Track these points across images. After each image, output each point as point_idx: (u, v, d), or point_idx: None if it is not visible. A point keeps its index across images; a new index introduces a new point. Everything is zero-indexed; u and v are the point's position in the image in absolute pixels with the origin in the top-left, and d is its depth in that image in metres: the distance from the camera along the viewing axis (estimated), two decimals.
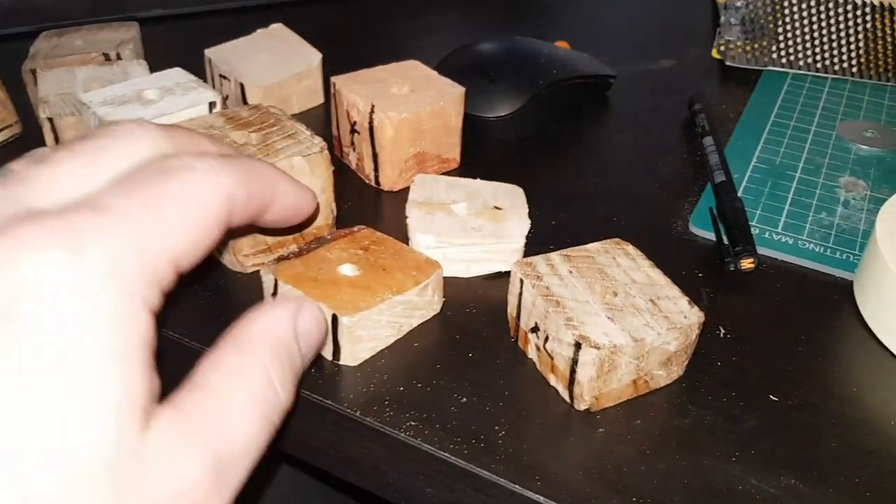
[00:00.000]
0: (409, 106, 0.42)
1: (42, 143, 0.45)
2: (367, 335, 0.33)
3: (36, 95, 0.46)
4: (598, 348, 0.29)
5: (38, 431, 0.18)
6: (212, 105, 0.39)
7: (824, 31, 0.55)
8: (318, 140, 0.38)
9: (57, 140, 0.41)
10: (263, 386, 0.23)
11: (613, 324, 0.31)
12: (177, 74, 0.41)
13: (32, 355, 0.18)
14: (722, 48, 0.56)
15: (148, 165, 0.22)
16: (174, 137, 0.24)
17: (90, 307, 0.19)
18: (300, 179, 0.36)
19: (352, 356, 0.33)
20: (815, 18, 0.55)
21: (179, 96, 0.39)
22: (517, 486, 0.29)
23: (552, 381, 0.32)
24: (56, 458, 0.18)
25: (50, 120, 0.41)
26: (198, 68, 0.50)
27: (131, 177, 0.21)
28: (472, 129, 0.46)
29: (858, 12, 0.55)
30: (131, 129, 0.23)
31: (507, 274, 0.38)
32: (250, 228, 0.36)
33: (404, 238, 0.39)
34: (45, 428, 0.18)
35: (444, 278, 0.36)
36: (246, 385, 0.22)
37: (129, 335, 0.19)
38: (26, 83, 0.46)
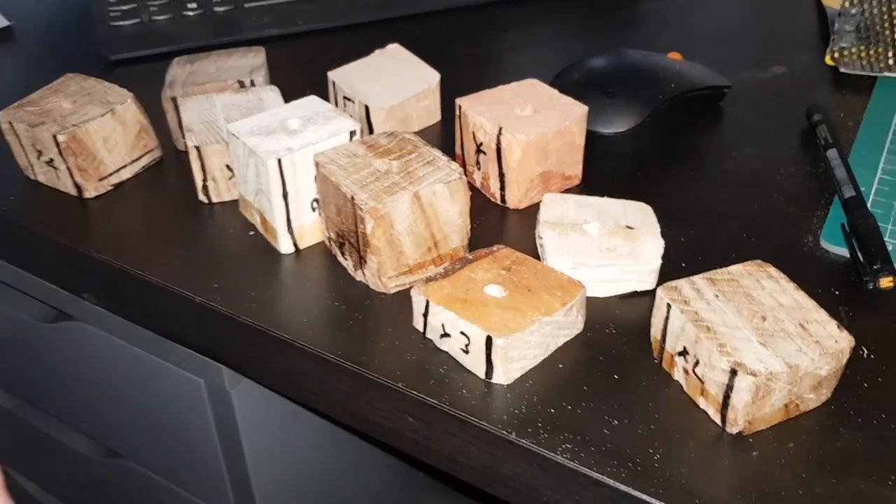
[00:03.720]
0: (535, 127, 0.43)
1: (183, 168, 0.47)
2: (518, 355, 0.35)
3: (175, 122, 0.48)
4: (755, 375, 0.30)
5: None
6: (352, 134, 0.41)
7: None
8: (455, 166, 0.39)
9: (203, 167, 0.44)
10: None
11: (766, 350, 0.31)
12: (313, 103, 0.43)
13: None
14: (836, 55, 0.56)
15: None
16: None
17: None
18: (441, 205, 0.38)
19: (504, 375, 0.35)
20: None
21: (321, 125, 0.41)
22: None
23: (702, 404, 0.33)
24: None
25: (197, 148, 0.43)
26: (320, 89, 0.52)
27: None
28: (590, 144, 0.47)
29: None
30: None
31: (643, 293, 0.39)
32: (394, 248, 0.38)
33: (534, 254, 0.40)
34: None
35: None
36: None
37: None
38: (166, 110, 0.48)
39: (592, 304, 0.38)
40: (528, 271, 0.38)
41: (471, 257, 0.39)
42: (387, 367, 0.36)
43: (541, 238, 0.40)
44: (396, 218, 0.37)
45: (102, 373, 0.55)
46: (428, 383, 0.35)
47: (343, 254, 0.41)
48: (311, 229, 0.42)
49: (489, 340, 0.34)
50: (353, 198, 0.37)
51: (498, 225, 0.44)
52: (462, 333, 0.35)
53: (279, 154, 0.39)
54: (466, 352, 0.35)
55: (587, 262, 0.38)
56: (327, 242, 0.42)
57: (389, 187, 0.38)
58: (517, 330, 0.34)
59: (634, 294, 0.39)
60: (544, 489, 0.33)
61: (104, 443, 0.63)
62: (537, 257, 0.40)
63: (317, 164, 0.39)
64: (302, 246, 0.42)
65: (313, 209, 0.42)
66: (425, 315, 0.37)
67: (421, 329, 0.37)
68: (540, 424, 0.33)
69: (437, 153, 0.40)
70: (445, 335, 0.36)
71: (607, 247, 0.39)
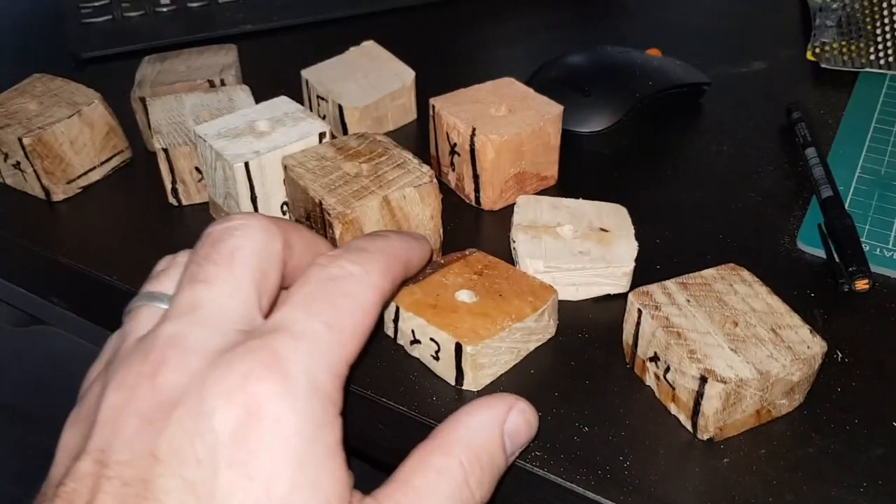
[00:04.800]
0: (510, 127, 0.43)
1: (154, 169, 0.46)
2: (489, 362, 0.34)
3: (145, 122, 0.48)
4: (725, 382, 0.30)
5: None
6: (321, 136, 0.40)
7: None
8: (426, 169, 0.38)
9: (172, 169, 0.43)
10: (461, 488, 0.25)
11: (737, 356, 0.31)
12: (283, 103, 0.42)
13: (260, 468, 0.22)
14: (817, 50, 0.55)
15: (313, 277, 0.27)
16: (279, 224, 0.28)
17: (300, 425, 0.23)
18: (411, 209, 0.38)
19: (474, 382, 0.34)
20: None
21: (290, 127, 0.40)
22: None
23: (673, 410, 0.33)
24: None
25: (165, 150, 0.42)
26: (294, 87, 0.51)
27: (304, 291, 0.26)
28: (567, 143, 0.46)
29: None
30: (246, 224, 0.27)
31: (617, 297, 0.38)
32: None
33: (509, 257, 0.39)
34: None
35: None
36: (445, 488, 0.25)
37: (330, 440, 0.24)
38: (135, 110, 0.48)
39: (565, 308, 0.38)
40: (500, 276, 0.37)
41: (442, 262, 0.38)
42: (357, 373, 0.35)
43: (514, 241, 0.39)
44: (365, 223, 0.37)
45: (76, 377, 0.54)
46: (398, 390, 0.34)
47: None
48: None
49: (458, 347, 0.33)
50: (321, 202, 0.36)
51: (473, 227, 0.44)
52: (432, 340, 0.34)
53: (246, 157, 0.38)
54: (437, 358, 0.35)
55: (559, 266, 0.38)
56: None
57: (358, 191, 0.37)
58: (487, 336, 0.34)
59: (608, 297, 0.38)
60: (514, 496, 0.33)
61: None
62: (511, 260, 0.40)
63: (285, 168, 0.39)
64: None
65: (283, 212, 0.41)
66: (396, 321, 0.36)
67: (392, 335, 0.37)
68: None
69: (408, 155, 0.39)
70: (416, 341, 0.35)
71: (580, 250, 0.38)
